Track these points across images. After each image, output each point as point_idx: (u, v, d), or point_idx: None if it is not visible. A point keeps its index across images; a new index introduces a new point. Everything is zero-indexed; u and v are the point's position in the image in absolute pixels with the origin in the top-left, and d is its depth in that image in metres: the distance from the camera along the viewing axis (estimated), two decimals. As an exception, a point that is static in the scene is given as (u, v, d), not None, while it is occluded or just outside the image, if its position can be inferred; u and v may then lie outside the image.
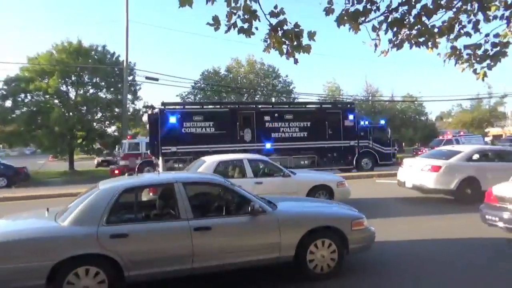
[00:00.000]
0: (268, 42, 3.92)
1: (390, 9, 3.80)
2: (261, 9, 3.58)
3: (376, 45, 4.23)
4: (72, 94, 28.18)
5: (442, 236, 7.14)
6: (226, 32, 3.64)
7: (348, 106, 21.32)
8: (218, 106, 19.31)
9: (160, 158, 16.23)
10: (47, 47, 27.03)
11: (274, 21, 3.72)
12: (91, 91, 28.56)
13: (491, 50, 4.35)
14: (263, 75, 36.73)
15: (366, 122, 20.60)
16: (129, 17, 27.51)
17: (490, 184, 7.39)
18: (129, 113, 27.74)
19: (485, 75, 4.52)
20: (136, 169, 18.86)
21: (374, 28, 4.10)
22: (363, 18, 3.82)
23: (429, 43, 4.31)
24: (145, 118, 18.17)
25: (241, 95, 35.70)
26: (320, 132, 18.50)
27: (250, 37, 3.76)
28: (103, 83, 28.46)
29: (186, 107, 18.86)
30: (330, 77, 62.59)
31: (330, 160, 18.63)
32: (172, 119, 16.52)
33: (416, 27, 4.05)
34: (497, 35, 4.30)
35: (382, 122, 21.59)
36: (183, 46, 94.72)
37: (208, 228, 4.61)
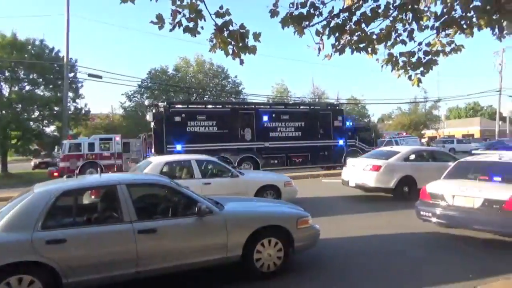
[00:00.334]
0: (214, 42, 3.91)
1: (332, 15, 3.95)
2: (206, 8, 3.58)
3: (319, 49, 4.37)
4: (6, 91, 26.14)
5: (382, 232, 7.54)
6: (170, 30, 3.59)
7: (337, 107, 22.56)
8: (220, 106, 19.85)
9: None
10: (-24, 39, 24.64)
11: (220, 21, 3.72)
12: (27, 88, 26.67)
13: (424, 58, 4.68)
14: (212, 75, 36.55)
15: (352, 123, 22.35)
16: (71, 11, 26.10)
17: (425, 182, 7.91)
18: (70, 112, 26.29)
19: (419, 81, 4.84)
20: (77, 171, 17.91)
21: (317, 33, 4.24)
22: (307, 22, 3.94)
23: (369, 49, 4.54)
24: (149, 117, 17.88)
25: (190, 95, 35.25)
26: (313, 132, 19.59)
27: (195, 36, 3.74)
28: (40, 80, 26.67)
29: (190, 106, 19.13)
30: (279, 79, 63.89)
31: (321, 158, 19.58)
32: (177, 118, 16.84)
33: (356, 34, 4.25)
34: (428, 44, 4.63)
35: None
36: (128, 44, 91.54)
37: (153, 231, 4.51)
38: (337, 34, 4.14)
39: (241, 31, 3.86)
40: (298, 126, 19.19)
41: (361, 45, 4.45)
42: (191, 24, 3.71)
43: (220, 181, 9.07)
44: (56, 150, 28.11)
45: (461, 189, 6.77)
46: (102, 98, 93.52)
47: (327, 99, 44.34)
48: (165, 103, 17.68)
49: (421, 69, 4.67)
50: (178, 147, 16.54)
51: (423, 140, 45.17)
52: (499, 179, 7.11)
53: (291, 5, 3.83)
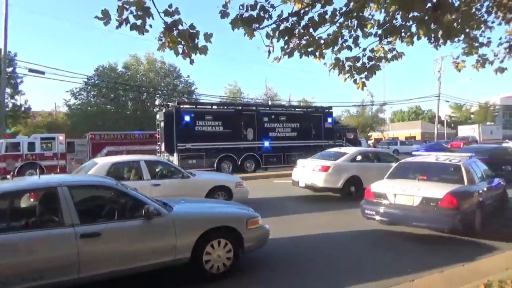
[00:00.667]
0: (163, 41, 3.85)
1: (281, 18, 4.04)
2: (155, 6, 3.51)
3: (269, 52, 4.45)
4: None
5: (329, 230, 7.80)
6: (117, 27, 3.48)
7: (327, 110, 23.52)
8: (225, 107, 20.85)
9: (175, 154, 17.23)
10: None
11: (169, 20, 3.66)
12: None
13: (368, 63, 4.92)
14: (163, 74, 35.75)
15: (339, 125, 24.40)
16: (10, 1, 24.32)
17: (370, 182, 8.31)
18: (7, 109, 24.54)
19: (364, 85, 5.08)
20: (15, 172, 16.88)
21: (267, 35, 4.31)
22: (256, 25, 3.99)
23: (317, 53, 4.69)
24: (159, 116, 18.42)
25: (140, 94, 34.26)
26: (307, 132, 21.07)
27: (143, 34, 3.65)
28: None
29: (198, 107, 20.11)
30: (231, 79, 63.83)
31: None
32: (187, 118, 17.68)
33: (305, 38, 4.37)
34: (372, 50, 4.88)
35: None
36: (74, 39, 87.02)
37: (97, 234, 4.34)
38: (286, 38, 4.23)
39: (191, 31, 3.84)
40: (294, 127, 20.63)
41: (310, 49, 4.58)
42: (138, 22, 3.62)
43: (170, 182, 8.90)
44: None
45: (402, 188, 7.18)
46: (45, 95, 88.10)
47: (279, 101, 45.05)
48: (176, 103, 18.68)
49: (365, 73, 4.91)
50: (188, 145, 17.42)
51: (370, 142, 47.27)
52: (436, 178, 7.65)
53: (241, 7, 3.86)
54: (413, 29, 4.77)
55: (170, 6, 3.58)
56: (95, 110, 33.15)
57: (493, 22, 6.70)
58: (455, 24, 5.64)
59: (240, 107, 20.68)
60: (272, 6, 3.94)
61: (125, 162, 9.16)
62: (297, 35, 4.25)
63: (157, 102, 23.26)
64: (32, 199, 5.13)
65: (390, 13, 4.64)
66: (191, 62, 4.01)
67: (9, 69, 24.30)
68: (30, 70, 23.38)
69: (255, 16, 3.90)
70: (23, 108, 26.81)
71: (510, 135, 58.18)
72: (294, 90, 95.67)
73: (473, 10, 6.40)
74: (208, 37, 3.90)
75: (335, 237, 7.42)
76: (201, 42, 3.95)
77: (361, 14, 4.35)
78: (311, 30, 4.21)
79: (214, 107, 20.76)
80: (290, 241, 7.13)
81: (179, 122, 17.53)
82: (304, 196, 12.28)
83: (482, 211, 7.28)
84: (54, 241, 4.18)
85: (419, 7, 4.01)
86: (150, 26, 3.75)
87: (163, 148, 17.94)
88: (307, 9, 4.07)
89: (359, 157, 12.09)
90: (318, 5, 4.13)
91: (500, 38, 7.53)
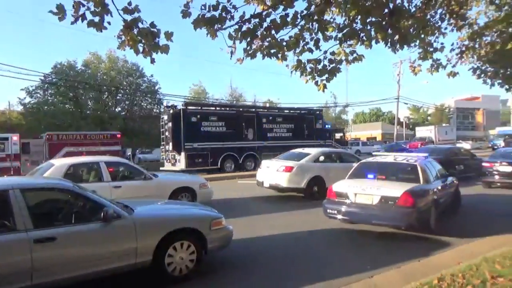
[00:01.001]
0: (123, 39, 3.76)
1: (243, 19, 4.05)
2: (113, 3, 3.41)
3: (232, 53, 4.45)
4: None
5: (292, 230, 7.90)
6: (72, 23, 3.36)
7: (318, 112, 25.18)
8: (228, 109, 22.05)
9: (183, 153, 17.86)
10: None
11: (128, 18, 3.58)
12: None
13: (329, 65, 5.03)
14: (126, 73, 34.82)
15: (329, 126, 26.19)
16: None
17: (332, 182, 8.48)
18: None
19: (325, 87, 5.19)
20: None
21: (230, 36, 4.31)
22: (219, 25, 3.98)
23: (279, 55, 4.75)
24: (167, 117, 18.98)
25: (101, 93, 33.21)
26: (300, 133, 22.39)
27: (101, 31, 3.55)
28: None
29: (203, 108, 20.96)
30: (196, 79, 63.05)
31: None
32: (193, 119, 18.52)
33: (267, 39, 4.41)
34: (333, 53, 4.99)
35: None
36: (30, 34, 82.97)
37: (52, 239, 4.16)
38: (248, 39, 4.25)
39: (152, 29, 3.78)
40: (289, 128, 22.04)
41: (272, 51, 4.63)
42: (96, 19, 3.52)
43: (131, 184, 8.69)
44: None
45: (362, 187, 7.39)
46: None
47: (244, 102, 45.14)
48: (183, 104, 19.59)
49: (326, 75, 5.02)
50: (194, 144, 18.21)
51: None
52: (394, 178, 7.94)
53: (203, 7, 3.84)
54: (372, 33, 4.94)
55: (130, 3, 3.50)
56: (53, 109, 31.76)
57: (446, 28, 7.07)
58: (411, 30, 5.91)
59: (241, 109, 21.99)
60: (234, 7, 3.95)
61: (83, 164, 8.85)
62: (259, 36, 4.28)
63: (164, 103, 23.56)
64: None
65: (351, 17, 4.77)
66: (152, 61, 3.95)
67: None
68: (-20, 67, 22.11)
69: (217, 16, 3.89)
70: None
71: (463, 135, 61.54)
72: (259, 91, 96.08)
73: (428, 17, 6.73)
74: (169, 36, 3.85)
75: (298, 236, 7.53)
76: (162, 41, 3.90)
77: (322, 18, 4.44)
78: (273, 32, 4.25)
79: (218, 108, 21.79)
80: (254, 241, 7.16)
81: (186, 123, 18.29)
82: (269, 196, 12.37)
83: (436, 209, 7.63)
84: (5, 247, 3.97)
85: (376, 13, 4.16)
86: (109, 23, 3.66)
87: (170, 148, 18.54)
88: (269, 11, 4.10)
89: (322, 158, 12.32)
90: (280, 8, 4.17)
91: (452, 44, 7.96)
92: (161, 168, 21.02)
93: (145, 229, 4.80)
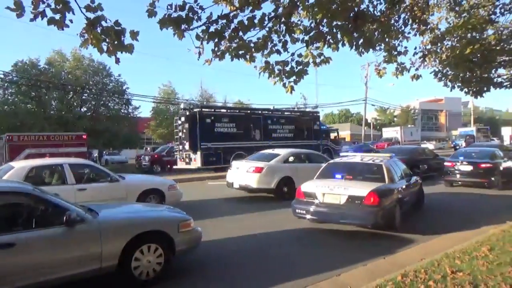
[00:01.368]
0: (86, 37, 3.66)
1: (211, 20, 4.04)
2: (75, 1, 3.31)
3: (199, 54, 4.42)
4: None
5: (262, 230, 7.94)
6: (31, 20, 3.23)
7: (316, 114, 27.21)
8: (237, 111, 23.79)
9: (199, 152, 18.96)
10: None
11: (91, 15, 3.49)
12: None
13: (296, 67, 5.09)
14: (92, 72, 33.77)
15: (325, 127, 28.89)
16: None
17: (302, 182, 8.58)
18: None
19: (292, 88, 5.25)
20: None
21: (197, 37, 4.28)
22: (186, 25, 3.94)
23: (247, 57, 4.76)
24: (184, 118, 20.12)
25: (66, 93, 32.06)
26: (301, 133, 24.01)
27: (63, 29, 3.44)
28: None
29: (216, 110, 22.29)
30: (166, 79, 61.97)
31: None
32: (208, 120, 19.83)
33: (235, 41, 4.41)
34: (300, 55, 5.06)
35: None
36: (-11, 30, 78.99)
37: (10, 245, 3.99)
38: (216, 40, 4.24)
39: (116, 28, 3.69)
40: (291, 129, 23.59)
41: (240, 52, 4.64)
42: (57, 16, 3.40)
43: (97, 186, 8.45)
44: None
45: (330, 187, 7.53)
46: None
47: (214, 102, 44.93)
48: (199, 107, 21.36)
49: (294, 77, 5.07)
50: (209, 144, 19.33)
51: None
52: (360, 177, 8.14)
53: (169, 7, 3.79)
54: (339, 36, 5.05)
55: (92, 1, 3.41)
56: (13, 109, 30.37)
57: (409, 33, 7.32)
58: (375, 34, 6.09)
59: (249, 111, 23.67)
60: (201, 8, 3.93)
61: (46, 166, 8.52)
62: (227, 37, 4.28)
63: (181, 106, 24.34)
64: None
65: (317, 20, 4.85)
66: (117, 61, 3.86)
67: None
68: None
69: (184, 17, 3.85)
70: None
71: (427, 136, 63.88)
72: (230, 92, 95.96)
73: (392, 21, 6.95)
74: (134, 35, 3.78)
75: (268, 237, 7.57)
76: (127, 40, 3.82)
77: (289, 20, 4.49)
78: (240, 33, 4.26)
79: (229, 110, 23.19)
80: (223, 242, 7.14)
81: (202, 124, 19.56)
82: (239, 197, 12.37)
83: (401, 207, 7.90)
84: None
85: (341, 16, 4.25)
86: (71, 21, 3.55)
87: (187, 147, 19.70)
88: (236, 12, 4.11)
89: (291, 158, 12.45)
90: (248, 9, 4.19)
91: (415, 48, 8.26)
92: (174, 167, 22.12)
93: (110, 233, 4.69)
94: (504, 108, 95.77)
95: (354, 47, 4.87)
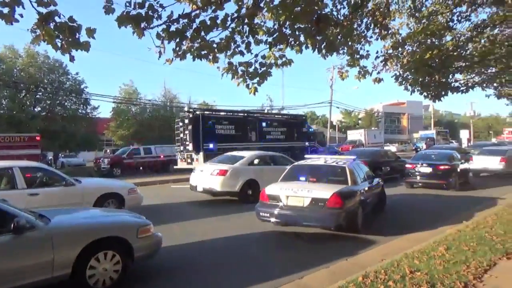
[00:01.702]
0: (38, 33, 3.52)
1: (172, 19, 3.99)
2: (25, -6, 3.18)
3: (160, 53, 4.36)
4: None
5: (226, 234, 7.91)
6: (-25, 14, 3.08)
7: (303, 117, 29.13)
8: (236, 113, 24.74)
9: (201, 153, 19.57)
10: None
11: (43, 10, 3.36)
12: None
13: (260, 69, 5.14)
14: (47, 69, 32.38)
15: (312, 129, 30.79)
16: None
17: (266, 185, 8.63)
18: None
19: (256, 90, 5.29)
20: None
21: (158, 36, 4.22)
22: (146, 24, 3.88)
23: (210, 57, 4.75)
24: (188, 120, 20.81)
25: (18, 91, 30.56)
26: (291, 135, 25.24)
27: (12, 24, 3.29)
28: None
29: (215, 113, 23.79)
30: (127, 79, 60.12)
31: (296, 156, 23.10)
32: (210, 122, 20.81)
33: (197, 41, 4.39)
34: (264, 57, 5.11)
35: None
36: None
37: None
38: (177, 40, 4.19)
39: (70, 24, 3.58)
40: (282, 131, 24.79)
41: (202, 53, 4.62)
42: (5, 10, 3.25)
43: (50, 191, 8.11)
44: None
45: (294, 190, 7.63)
46: None
47: (179, 103, 44.34)
48: (202, 110, 22.90)
49: (257, 79, 5.12)
50: (211, 145, 20.04)
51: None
52: (324, 180, 8.31)
53: (127, 4, 3.72)
54: (302, 38, 5.14)
55: (45, -5, 3.29)
56: (-41, 108, 28.66)
57: (371, 37, 7.57)
58: (338, 37, 6.25)
59: (245, 114, 24.87)
60: (162, 6, 3.87)
61: (-7, 169, 8.09)
62: (189, 37, 4.25)
63: (185, 108, 24.55)
64: None
65: (280, 22, 4.91)
66: (71, 59, 3.75)
67: None
68: None
69: (144, 14, 3.79)
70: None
71: (391, 138, 66.15)
72: (195, 92, 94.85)
73: (355, 25, 7.17)
74: (90, 32, 3.68)
75: (232, 241, 7.56)
76: (83, 37, 3.71)
77: (252, 21, 4.51)
78: (203, 33, 4.24)
79: (228, 113, 24.42)
80: (185, 247, 7.05)
81: (204, 126, 20.41)
82: (202, 201, 12.28)
83: (363, 209, 8.13)
84: None
85: (303, 19, 4.33)
86: (21, 15, 3.41)
87: (190, 148, 20.37)
88: (198, 12, 4.09)
89: (256, 161, 12.51)
90: (210, 9, 4.17)
91: (377, 52, 8.55)
92: (174, 167, 22.44)
93: (63, 240, 4.51)
94: (462, 112, 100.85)
95: (317, 50, 4.97)
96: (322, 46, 4.92)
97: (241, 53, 4.93)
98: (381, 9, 7.53)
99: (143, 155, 25.16)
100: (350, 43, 7.07)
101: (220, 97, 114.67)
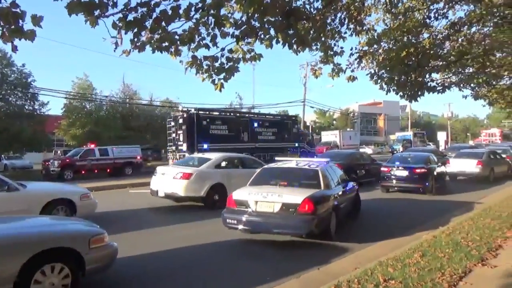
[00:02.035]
0: (-28, 19, 3.38)
1: (129, 8, 3.93)
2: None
3: (116, 44, 4.27)
4: None
5: (190, 243, 7.85)
6: None
7: (294, 118, 31.44)
8: (229, 114, 26.90)
9: (196, 152, 19.10)
10: None
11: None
12: None
13: (226, 64, 5.14)
14: (-13, 60, 31.04)
15: (301, 131, 33.12)
16: None
17: (234, 189, 8.61)
18: None
19: (222, 86, 5.28)
20: None
21: (114, 26, 4.14)
22: (99, 12, 3.79)
23: (171, 50, 4.70)
24: (182, 120, 21.80)
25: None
26: (282, 136, 27.06)
27: None
28: None
29: (210, 113, 24.50)
30: (81, 73, 58.19)
31: (287, 156, 24.51)
32: (205, 122, 22.04)
33: (157, 32, 4.33)
34: (231, 51, 5.11)
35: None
36: None
37: None
38: (135, 30, 4.13)
39: (14, 10, 3.45)
40: (273, 132, 26.56)
41: (163, 45, 4.57)
42: None
43: (-9, 197, 7.80)
44: None
45: (263, 195, 7.65)
46: None
47: (140, 100, 43.58)
48: (196, 109, 22.94)
49: (224, 74, 5.12)
50: (205, 145, 20.99)
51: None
52: (296, 183, 8.38)
53: (78, -10, 3.62)
54: (272, 32, 5.18)
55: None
56: None
57: (345, 33, 7.74)
58: (311, 32, 6.34)
59: (238, 114, 26.97)
60: (117, -7, 3.80)
61: None
62: (148, 28, 4.19)
63: (180, 108, 25.40)
64: None
65: (249, 14, 4.93)
66: (14, 49, 3.62)
67: None
68: None
69: (97, 1, 3.70)
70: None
71: (367, 140, 67.75)
72: (157, 88, 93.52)
73: (328, 20, 7.30)
74: (36, 20, 3.56)
75: (196, 250, 7.51)
76: (28, 25, 3.59)
77: (218, 12, 4.50)
78: (163, 23, 4.19)
79: (222, 113, 25.99)
80: (144, 258, 6.93)
81: (199, 126, 21.59)
82: (164, 207, 12.12)
83: (337, 215, 8.27)
84: None
85: (272, 12, 4.37)
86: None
87: (184, 148, 21.42)
88: (158, 0, 4.04)
89: (223, 163, 12.47)
90: (172, -2, 4.14)
91: (351, 49, 8.74)
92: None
93: (2, 252, 4.33)
94: (440, 113, 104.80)
95: (288, 45, 5.02)
96: (293, 41, 4.96)
97: (206, 46, 4.91)
98: (356, 4, 7.70)
99: (99, 156, 24.55)
100: (323, 38, 7.20)
101: (185, 93, 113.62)
